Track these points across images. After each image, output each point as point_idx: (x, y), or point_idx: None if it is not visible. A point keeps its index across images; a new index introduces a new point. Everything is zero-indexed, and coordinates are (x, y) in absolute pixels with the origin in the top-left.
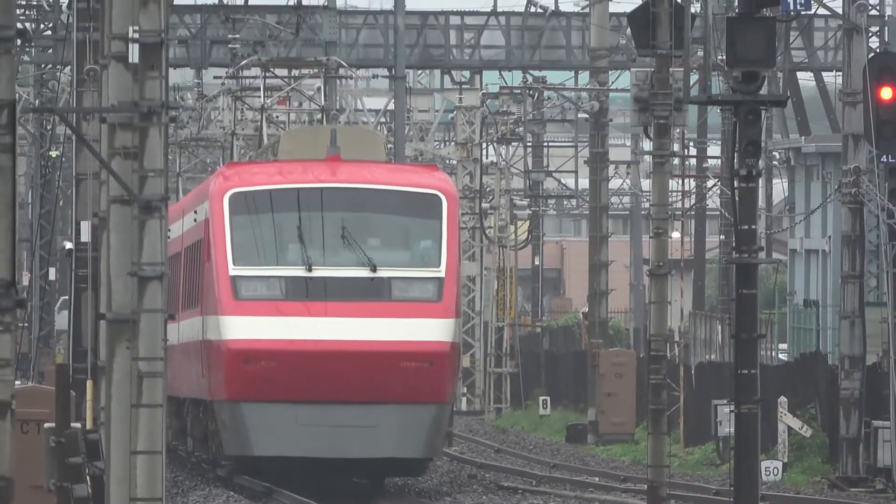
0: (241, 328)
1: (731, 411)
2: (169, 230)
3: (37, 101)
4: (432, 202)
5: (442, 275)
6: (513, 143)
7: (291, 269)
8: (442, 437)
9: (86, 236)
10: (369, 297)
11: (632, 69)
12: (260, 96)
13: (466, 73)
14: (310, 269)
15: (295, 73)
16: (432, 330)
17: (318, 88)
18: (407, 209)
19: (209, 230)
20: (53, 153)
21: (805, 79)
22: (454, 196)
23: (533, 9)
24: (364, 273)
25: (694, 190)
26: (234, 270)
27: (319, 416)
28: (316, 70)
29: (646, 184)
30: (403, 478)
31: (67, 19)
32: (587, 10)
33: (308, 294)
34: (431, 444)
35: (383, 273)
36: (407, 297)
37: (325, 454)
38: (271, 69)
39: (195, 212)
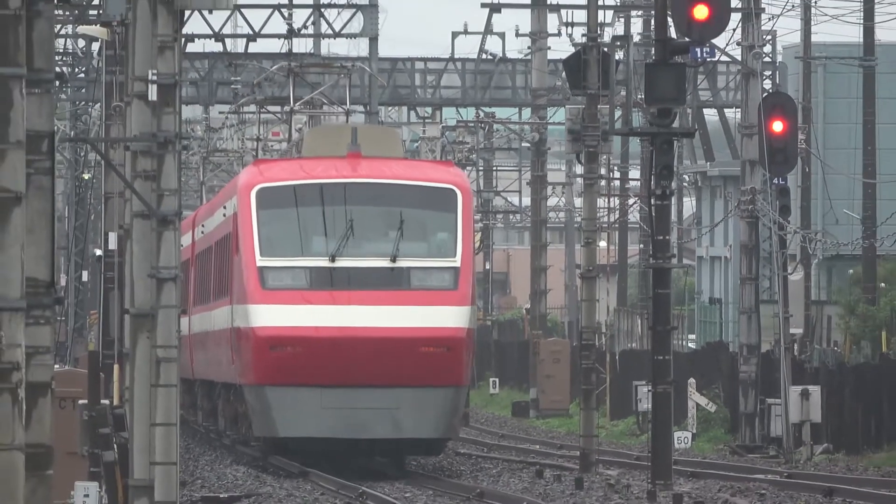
0: (268, 316)
1: (648, 390)
2: (203, 226)
3: (72, 133)
4: (448, 196)
5: (458, 264)
6: (467, 168)
7: (316, 260)
8: (459, 418)
9: (113, 245)
10: (389, 286)
11: (566, 106)
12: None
13: (429, 110)
14: (333, 260)
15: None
16: (449, 317)
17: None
18: (424, 203)
19: (237, 223)
20: (86, 175)
21: (710, 114)
22: (468, 190)
23: (484, 56)
24: (384, 263)
25: (618, 206)
26: (261, 261)
27: (343, 399)
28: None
29: (578, 201)
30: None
31: (98, 64)
32: (529, 56)
33: (332, 283)
34: (449, 425)
35: (402, 263)
36: (425, 286)
37: (348, 435)
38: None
39: (224, 207)
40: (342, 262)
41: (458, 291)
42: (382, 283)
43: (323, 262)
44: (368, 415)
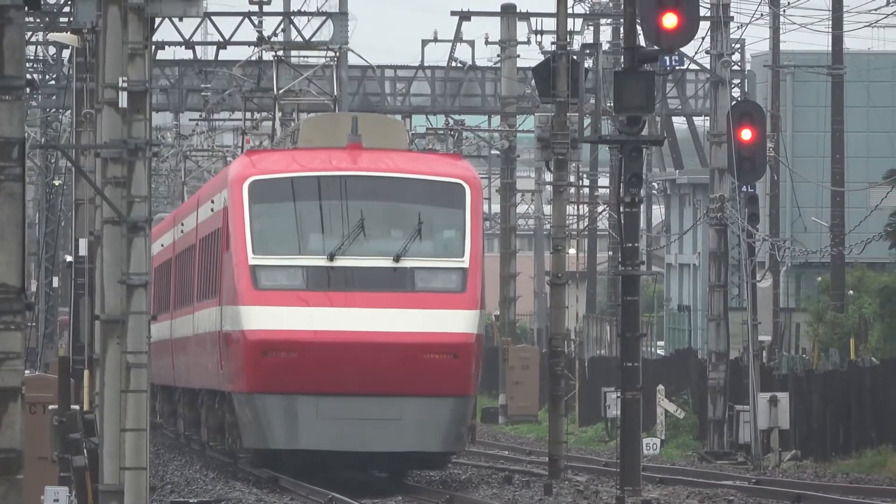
0: (260, 318)
1: (617, 397)
2: (182, 224)
3: (42, 139)
4: (455, 191)
5: (466, 265)
6: None
7: (313, 259)
8: (466, 431)
9: (83, 251)
10: (392, 287)
11: (535, 114)
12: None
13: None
14: (331, 259)
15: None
16: (457, 321)
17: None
18: (430, 198)
19: (228, 218)
20: (56, 182)
21: (679, 122)
22: (478, 185)
23: (454, 64)
24: (387, 263)
25: (587, 214)
26: (253, 259)
27: (341, 409)
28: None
29: (547, 209)
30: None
31: (68, 71)
32: (498, 64)
33: (330, 284)
34: (456, 437)
35: (406, 263)
36: (430, 288)
37: (346, 448)
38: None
39: (212, 201)
40: (341, 262)
41: (466, 294)
42: (385, 284)
43: (320, 261)
44: (368, 426)
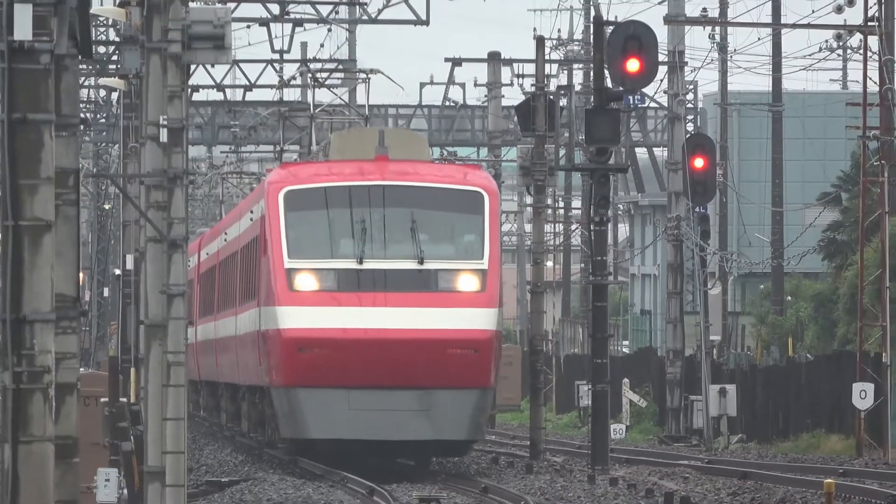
0: (296, 318)
1: (589, 389)
2: (225, 234)
3: (94, 169)
4: (475, 198)
5: (485, 267)
6: None
7: (343, 262)
8: (486, 420)
9: (130, 265)
10: (417, 288)
11: (518, 146)
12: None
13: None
14: (361, 262)
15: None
16: (477, 319)
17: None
18: (451, 205)
19: (265, 226)
20: (106, 206)
21: (641, 152)
22: (495, 193)
23: (448, 103)
24: (412, 265)
25: (562, 231)
26: (289, 263)
27: (370, 401)
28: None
29: (528, 227)
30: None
31: (116, 111)
32: (486, 104)
33: (359, 285)
34: (476, 427)
35: (430, 265)
36: (452, 288)
37: (376, 437)
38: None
39: (251, 212)
40: (370, 264)
41: (485, 293)
42: (410, 285)
43: (351, 264)
44: (396, 416)
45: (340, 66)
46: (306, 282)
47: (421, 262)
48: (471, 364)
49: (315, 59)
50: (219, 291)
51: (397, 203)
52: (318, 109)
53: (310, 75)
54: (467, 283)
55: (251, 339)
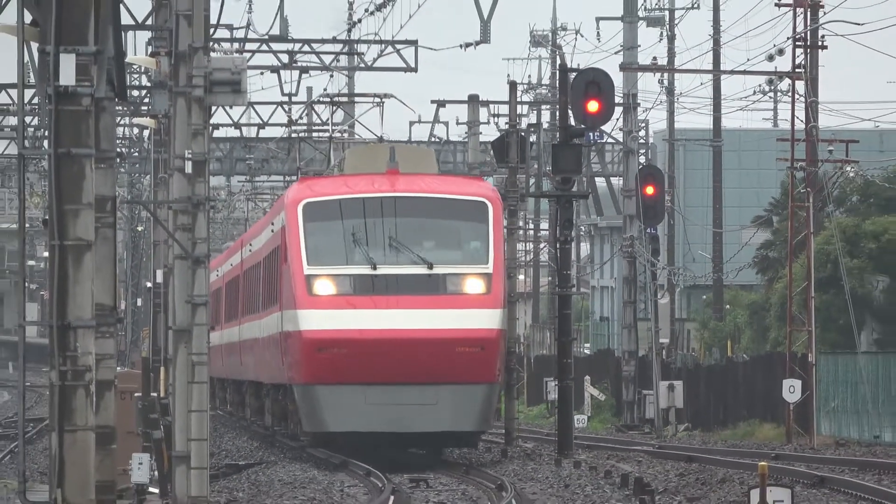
0: (315, 320)
1: (555, 385)
2: (251, 244)
3: (129, 196)
4: (480, 208)
5: (490, 271)
6: None
7: (359, 268)
8: (492, 413)
9: (160, 279)
10: (427, 291)
11: (494, 176)
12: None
13: None
14: (375, 268)
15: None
16: (483, 319)
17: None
18: (458, 214)
19: (286, 236)
20: (139, 228)
21: (600, 181)
22: (499, 202)
23: (433, 139)
24: (422, 270)
25: (532, 249)
26: (308, 270)
27: (385, 396)
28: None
29: None
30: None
31: (147, 146)
32: (467, 139)
33: (374, 289)
34: (484, 419)
35: (439, 270)
36: (460, 291)
37: (391, 429)
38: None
39: (272, 224)
40: (383, 270)
41: (490, 295)
42: (420, 288)
43: (365, 270)
44: (409, 410)
45: (337, 106)
46: (324, 287)
47: (430, 268)
48: (478, 361)
49: (318, 101)
50: (242, 298)
51: (408, 213)
52: (337, 129)
53: (329, 99)
54: (474, 286)
55: (273, 341)
